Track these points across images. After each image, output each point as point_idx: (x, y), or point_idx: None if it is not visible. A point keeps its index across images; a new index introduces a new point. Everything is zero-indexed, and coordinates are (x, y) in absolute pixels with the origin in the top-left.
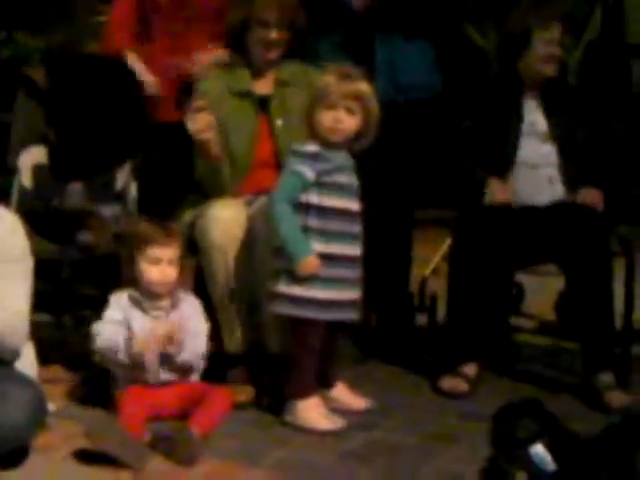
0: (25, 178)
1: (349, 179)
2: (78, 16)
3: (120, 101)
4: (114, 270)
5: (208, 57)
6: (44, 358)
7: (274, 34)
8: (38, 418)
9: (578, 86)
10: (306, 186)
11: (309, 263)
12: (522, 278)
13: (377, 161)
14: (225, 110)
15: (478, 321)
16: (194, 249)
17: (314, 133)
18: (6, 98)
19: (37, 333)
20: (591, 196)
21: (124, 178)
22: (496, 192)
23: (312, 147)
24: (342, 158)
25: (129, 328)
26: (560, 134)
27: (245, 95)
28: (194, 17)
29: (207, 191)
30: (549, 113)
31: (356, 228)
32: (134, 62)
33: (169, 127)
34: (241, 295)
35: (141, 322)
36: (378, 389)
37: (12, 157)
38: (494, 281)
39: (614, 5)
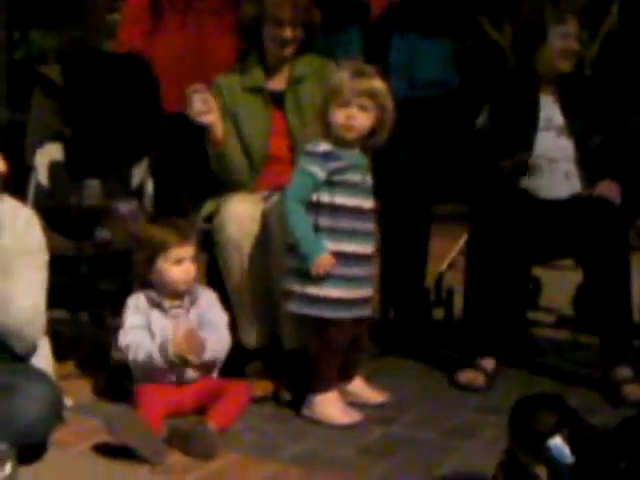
0: (42, 176)
1: (362, 177)
2: (91, 14)
3: (135, 98)
4: (131, 266)
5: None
6: (61, 354)
7: (288, 32)
8: (55, 413)
9: (595, 80)
10: (317, 186)
11: (323, 262)
12: (539, 272)
13: (394, 157)
14: (239, 106)
15: (495, 315)
16: (209, 244)
17: (327, 131)
18: (22, 97)
19: (54, 329)
20: (609, 189)
21: (140, 174)
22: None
23: (324, 146)
24: (355, 156)
25: (149, 328)
26: (577, 128)
27: (259, 91)
28: (207, 10)
29: (223, 183)
30: (566, 107)
31: (368, 226)
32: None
33: (183, 119)
34: (257, 290)
35: (161, 323)
36: (395, 383)
37: (28, 155)
38: (511, 275)
39: None
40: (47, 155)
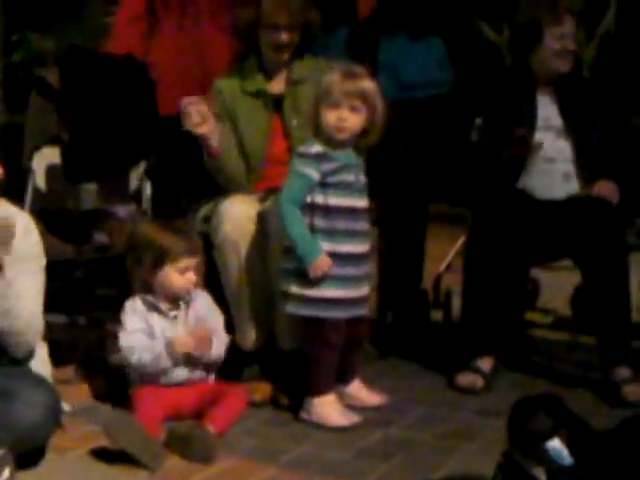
0: (39, 179)
1: (355, 177)
2: (88, 17)
3: (133, 101)
4: (128, 268)
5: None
6: (58, 358)
7: (284, 37)
8: (53, 418)
9: (593, 80)
10: (312, 187)
11: (321, 263)
12: (538, 273)
13: (388, 158)
14: (239, 109)
15: (493, 316)
16: (208, 245)
17: (319, 132)
18: (19, 99)
19: (51, 333)
20: (607, 189)
21: (138, 178)
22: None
23: (316, 148)
24: (348, 156)
25: (151, 333)
26: (575, 129)
27: (258, 94)
28: (203, 12)
29: (220, 186)
30: (564, 108)
31: (363, 225)
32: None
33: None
34: (254, 291)
35: (161, 325)
36: (394, 385)
37: (26, 158)
38: (509, 276)
39: None
40: (45, 158)
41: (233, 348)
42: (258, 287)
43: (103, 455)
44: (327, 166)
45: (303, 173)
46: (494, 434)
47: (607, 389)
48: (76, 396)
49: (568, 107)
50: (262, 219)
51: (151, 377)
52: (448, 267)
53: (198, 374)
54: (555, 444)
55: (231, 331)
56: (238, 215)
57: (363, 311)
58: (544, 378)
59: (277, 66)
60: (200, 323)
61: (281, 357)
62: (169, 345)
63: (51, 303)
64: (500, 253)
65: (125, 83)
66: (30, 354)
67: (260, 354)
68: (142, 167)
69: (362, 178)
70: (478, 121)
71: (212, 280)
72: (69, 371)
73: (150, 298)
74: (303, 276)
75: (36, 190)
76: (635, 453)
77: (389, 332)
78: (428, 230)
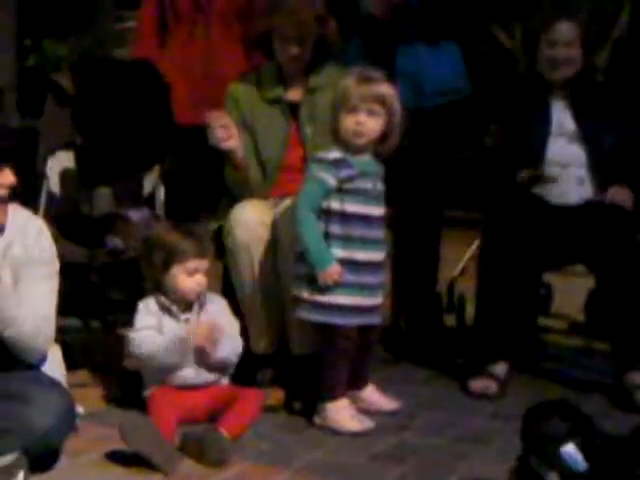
0: (53, 183)
1: (373, 184)
2: (101, 22)
3: (147, 106)
4: (142, 274)
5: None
6: (72, 362)
7: (294, 49)
8: (67, 422)
9: (606, 85)
10: (328, 193)
11: (332, 271)
12: (551, 278)
13: (406, 164)
14: (256, 116)
15: (507, 321)
16: (222, 251)
17: (337, 137)
18: (34, 104)
19: (65, 337)
20: (621, 195)
21: (152, 182)
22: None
23: (335, 153)
24: (366, 163)
25: (161, 333)
26: (589, 134)
27: (275, 102)
28: (214, 21)
29: (236, 195)
30: (577, 112)
31: (379, 233)
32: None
33: (193, 130)
34: (267, 295)
35: (172, 327)
36: (407, 390)
37: (40, 162)
38: (523, 281)
39: None
40: (59, 163)
41: (247, 353)
42: (270, 292)
43: (117, 458)
44: (345, 172)
45: (320, 179)
46: (508, 439)
47: (620, 394)
48: (90, 399)
49: (582, 111)
50: (274, 224)
51: (164, 379)
52: (462, 272)
53: (212, 376)
54: (570, 449)
55: (246, 338)
56: (250, 220)
57: (377, 319)
58: (557, 383)
59: (294, 74)
60: (215, 322)
61: (294, 362)
62: (179, 341)
63: (65, 307)
64: (513, 258)
65: (139, 88)
66: (43, 358)
67: (274, 359)
68: (156, 171)
69: (380, 186)
70: (492, 127)
71: (228, 286)
72: (83, 374)
73: (163, 299)
74: (315, 281)
75: (50, 194)
76: None
77: (403, 336)
78: (442, 235)
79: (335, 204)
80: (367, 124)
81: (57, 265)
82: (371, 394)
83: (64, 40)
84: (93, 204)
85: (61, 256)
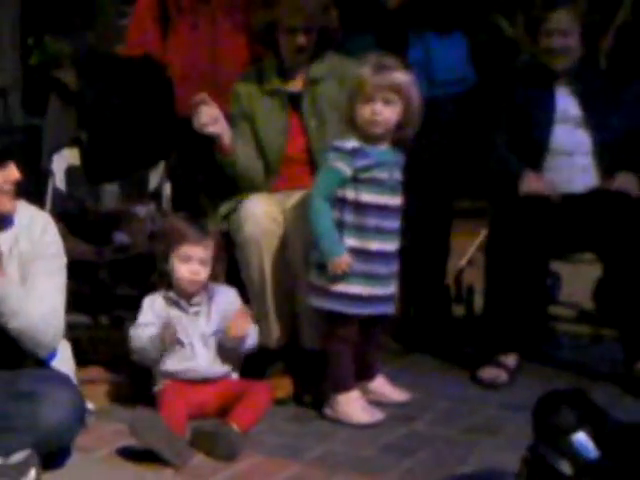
0: (59, 181)
1: (389, 174)
2: (103, 19)
3: (150, 101)
4: (150, 269)
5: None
6: (81, 358)
7: (301, 39)
8: (78, 419)
9: (610, 70)
10: (343, 182)
11: (341, 261)
12: (559, 267)
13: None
14: (256, 109)
15: (516, 311)
16: (229, 245)
17: (354, 127)
18: (38, 102)
19: (74, 333)
20: (627, 182)
21: (158, 177)
22: (530, 183)
23: (351, 143)
24: (383, 153)
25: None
26: (594, 119)
27: (276, 93)
28: (218, 10)
29: (239, 186)
30: (582, 98)
31: (394, 224)
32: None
33: None
34: (277, 288)
35: (181, 320)
36: (417, 381)
37: (45, 160)
38: (531, 270)
39: None
40: (64, 160)
41: (257, 346)
42: (280, 285)
43: (128, 454)
44: (361, 162)
45: (336, 168)
46: (518, 428)
47: (630, 382)
48: (100, 395)
49: (586, 97)
50: (284, 219)
51: (173, 374)
52: (469, 262)
53: (224, 370)
54: (581, 437)
55: None
56: (259, 214)
57: (388, 309)
58: (567, 372)
59: (296, 66)
60: (229, 313)
61: (304, 354)
62: (161, 331)
63: (74, 303)
64: (520, 247)
65: (143, 83)
66: (53, 354)
67: (283, 351)
68: (161, 167)
69: (397, 175)
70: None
71: (234, 281)
72: (93, 371)
73: (171, 294)
74: (327, 270)
75: (56, 191)
76: None
77: (412, 327)
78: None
79: (350, 193)
80: (383, 113)
81: (64, 259)
82: (381, 385)
83: (66, 37)
84: (99, 200)
85: (69, 253)
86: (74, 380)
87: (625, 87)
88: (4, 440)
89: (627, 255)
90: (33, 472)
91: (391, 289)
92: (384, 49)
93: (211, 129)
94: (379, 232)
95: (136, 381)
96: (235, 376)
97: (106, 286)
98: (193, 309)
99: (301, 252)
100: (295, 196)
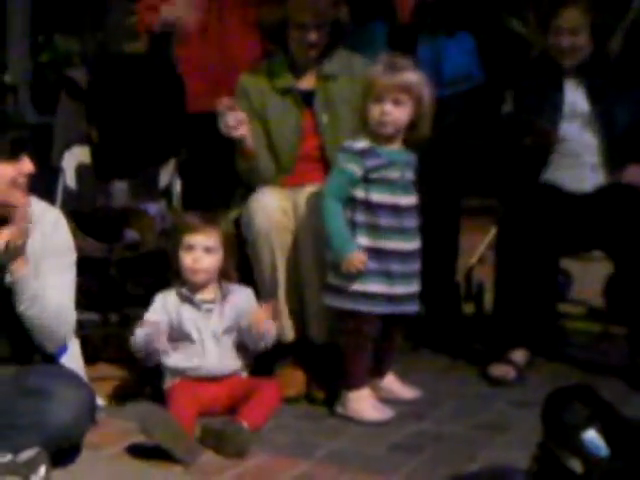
0: (69, 178)
1: (401, 174)
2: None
3: (161, 98)
4: (160, 267)
5: None
6: (91, 356)
7: (312, 36)
8: (88, 416)
9: (620, 66)
10: (354, 183)
11: (353, 259)
12: (569, 264)
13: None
14: (268, 106)
15: (526, 308)
16: (241, 242)
17: (365, 127)
18: (48, 100)
19: (84, 331)
20: (635, 175)
21: (168, 175)
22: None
23: (361, 143)
24: (395, 153)
25: (180, 324)
26: (602, 114)
27: (288, 91)
28: (227, 7)
29: (249, 184)
30: (591, 94)
31: (408, 222)
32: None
33: (210, 118)
34: (288, 283)
35: (193, 317)
36: (427, 379)
37: (55, 158)
38: (540, 268)
39: None
40: (74, 157)
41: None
42: (291, 279)
43: (138, 451)
44: (371, 162)
45: (346, 169)
46: (528, 426)
47: (637, 379)
48: (110, 393)
49: (595, 93)
50: (293, 212)
51: (183, 371)
52: (479, 260)
53: (234, 367)
54: (591, 435)
55: None
56: (271, 209)
57: (410, 308)
58: (577, 369)
59: (306, 63)
60: (244, 312)
61: (315, 351)
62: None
63: (84, 300)
64: (531, 245)
65: (153, 80)
66: (62, 350)
67: (294, 348)
68: (172, 164)
69: (409, 175)
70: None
71: (244, 277)
72: (102, 368)
73: (183, 290)
74: (341, 269)
75: (66, 189)
76: None
77: (422, 325)
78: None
79: (360, 193)
80: (393, 114)
81: (74, 255)
82: (391, 383)
83: (76, 35)
84: (109, 198)
85: (79, 251)
86: (84, 377)
87: (634, 83)
88: (13, 437)
89: (636, 253)
90: (43, 469)
91: (413, 287)
92: (395, 47)
93: (237, 133)
94: (394, 231)
95: (145, 378)
96: (245, 374)
97: (116, 283)
98: (206, 306)
99: (312, 246)
100: (306, 191)
